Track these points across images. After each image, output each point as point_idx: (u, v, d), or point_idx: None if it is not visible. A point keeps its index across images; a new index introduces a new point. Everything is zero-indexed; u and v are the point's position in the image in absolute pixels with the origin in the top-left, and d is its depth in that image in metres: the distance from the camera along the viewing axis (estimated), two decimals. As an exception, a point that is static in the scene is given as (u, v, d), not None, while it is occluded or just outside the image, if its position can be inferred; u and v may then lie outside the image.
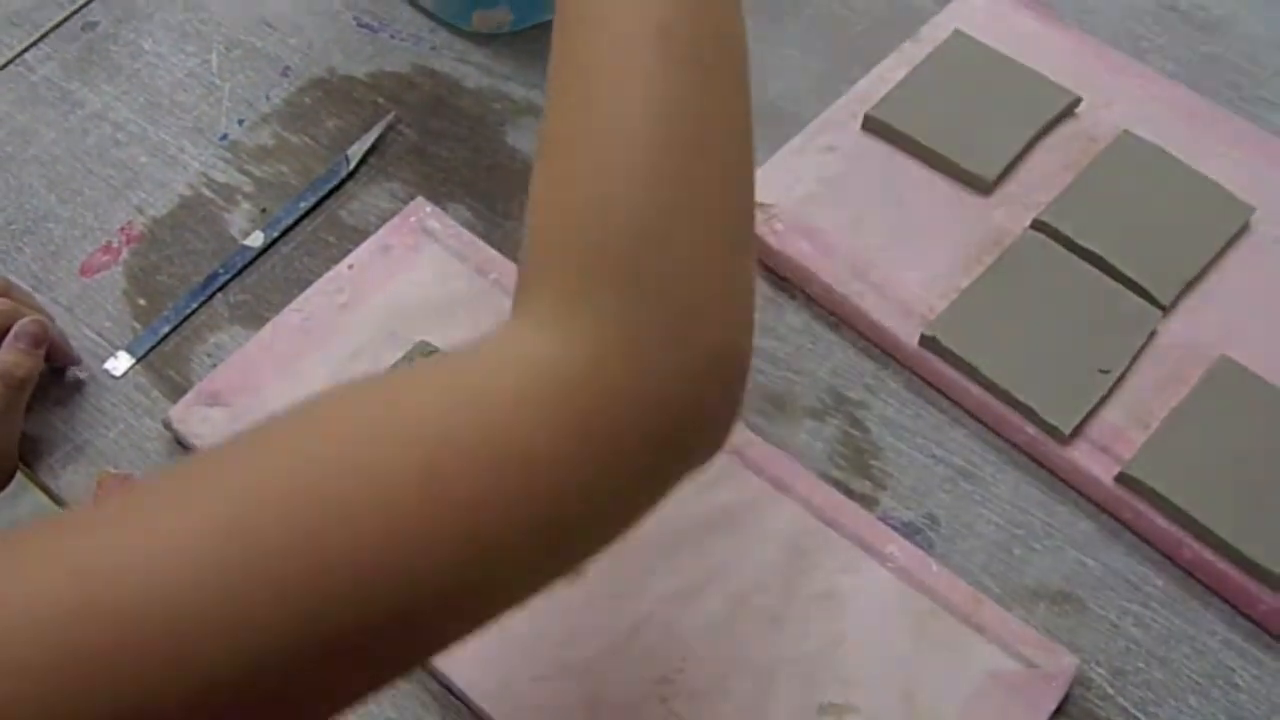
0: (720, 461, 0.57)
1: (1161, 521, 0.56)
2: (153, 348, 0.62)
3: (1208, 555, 0.55)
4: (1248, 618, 0.55)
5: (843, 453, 0.59)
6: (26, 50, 0.74)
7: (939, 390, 0.61)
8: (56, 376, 0.62)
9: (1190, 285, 0.62)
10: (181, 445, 0.59)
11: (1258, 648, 0.54)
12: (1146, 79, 0.70)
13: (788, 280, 0.64)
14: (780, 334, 0.63)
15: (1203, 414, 0.58)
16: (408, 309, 0.62)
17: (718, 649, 0.53)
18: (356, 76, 0.72)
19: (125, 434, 0.60)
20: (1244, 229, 0.64)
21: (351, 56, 0.73)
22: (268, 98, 0.71)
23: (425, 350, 0.59)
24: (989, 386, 0.59)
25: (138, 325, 0.63)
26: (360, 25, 0.74)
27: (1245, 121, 0.68)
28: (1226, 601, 0.55)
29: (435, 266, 0.63)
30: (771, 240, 0.64)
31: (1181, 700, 0.53)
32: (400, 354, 0.59)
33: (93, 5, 0.75)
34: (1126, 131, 0.66)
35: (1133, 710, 0.53)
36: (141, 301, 0.64)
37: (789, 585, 0.55)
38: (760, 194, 0.65)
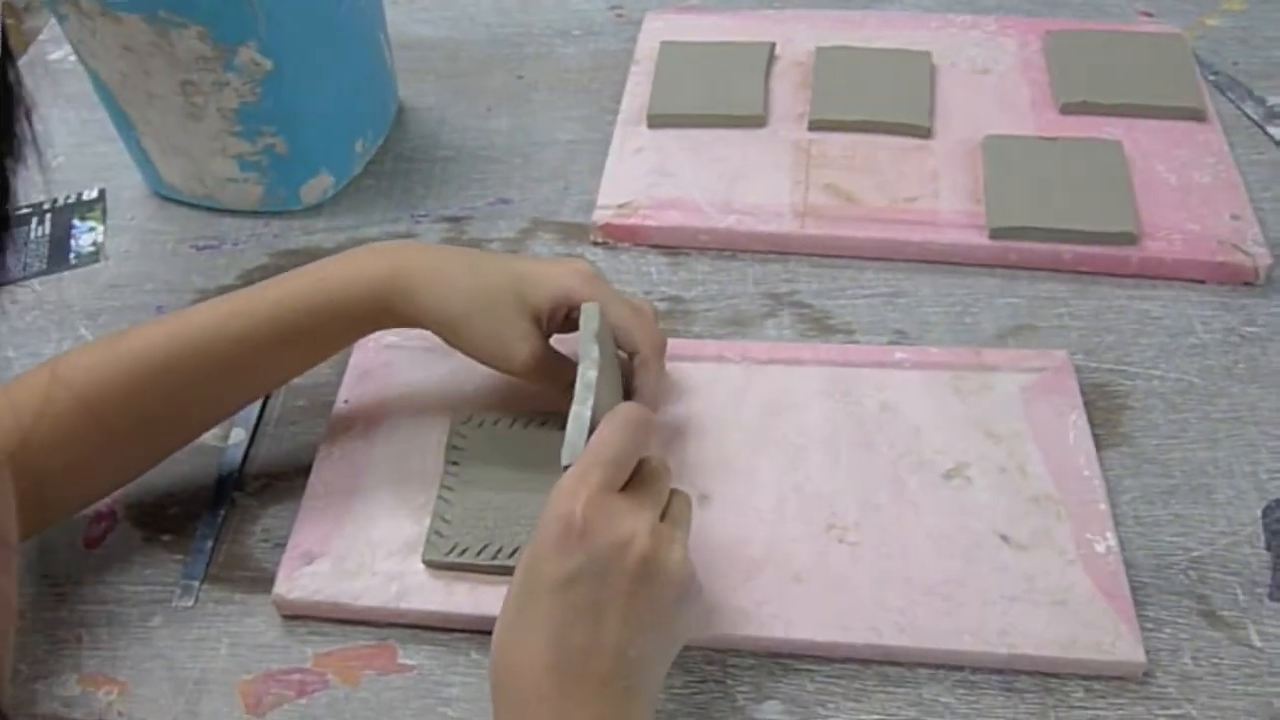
0: (740, 372, 0.66)
1: (1035, 246, 0.72)
2: (207, 566, 0.61)
3: (1079, 248, 0.72)
4: (1129, 275, 0.72)
5: (807, 329, 0.71)
6: None
7: (835, 255, 0.74)
8: None
9: (933, 112, 0.81)
10: (296, 616, 0.58)
11: (1147, 288, 0.71)
12: (804, 16, 0.90)
13: (676, 247, 0.75)
14: (699, 280, 0.74)
15: (1007, 171, 0.75)
16: (422, 395, 0.66)
17: (848, 485, 0.61)
18: (228, 285, 0.75)
19: (235, 643, 0.58)
20: (933, 68, 0.84)
21: (211, 275, 0.76)
22: (151, 340, 0.72)
23: (464, 419, 0.63)
24: (871, 219, 0.74)
25: (177, 558, 0.61)
26: (199, 249, 0.77)
27: (885, 11, 0.90)
28: (1111, 273, 0.72)
29: (413, 361, 0.68)
30: (650, 222, 0.75)
31: (1132, 343, 0.69)
32: (447, 428, 0.63)
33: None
34: (819, 48, 0.85)
35: (1114, 366, 0.68)
36: (165, 538, 0.62)
37: (855, 416, 0.64)
38: (616, 197, 0.77)
